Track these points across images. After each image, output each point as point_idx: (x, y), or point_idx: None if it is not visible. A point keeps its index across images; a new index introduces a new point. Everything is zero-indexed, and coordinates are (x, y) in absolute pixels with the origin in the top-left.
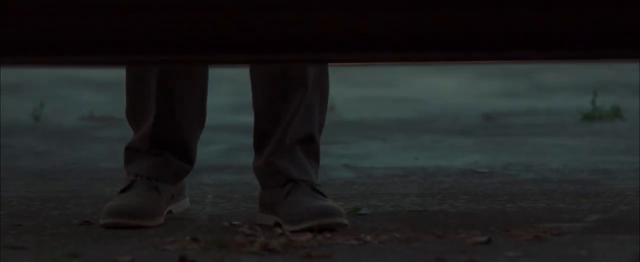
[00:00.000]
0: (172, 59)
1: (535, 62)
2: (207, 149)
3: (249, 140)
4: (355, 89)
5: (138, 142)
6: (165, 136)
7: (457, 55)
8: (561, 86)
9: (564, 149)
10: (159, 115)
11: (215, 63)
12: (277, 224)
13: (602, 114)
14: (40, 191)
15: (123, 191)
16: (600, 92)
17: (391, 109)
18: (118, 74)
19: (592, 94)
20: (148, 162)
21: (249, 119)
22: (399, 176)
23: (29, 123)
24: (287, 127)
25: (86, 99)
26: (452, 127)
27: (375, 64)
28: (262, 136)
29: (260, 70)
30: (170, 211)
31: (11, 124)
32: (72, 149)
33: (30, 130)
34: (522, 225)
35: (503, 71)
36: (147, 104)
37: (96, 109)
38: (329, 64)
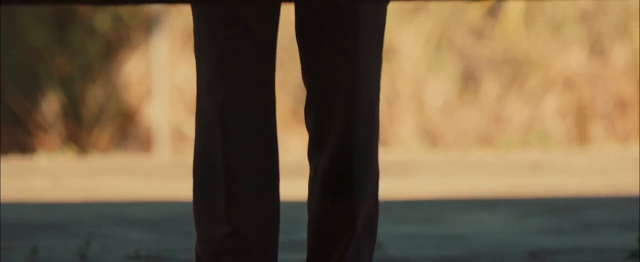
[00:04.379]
0: None
1: None
2: None
3: None
4: (401, 226)
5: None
6: None
7: None
8: (607, 223)
9: None
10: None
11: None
12: None
13: None
14: None
15: None
16: None
17: (436, 246)
18: (164, 212)
19: (639, 231)
20: None
21: (296, 257)
22: None
23: None
24: None
25: (132, 238)
26: None
27: None
28: None
29: (312, 210)
30: None
31: None
32: None
33: None
34: None
35: (549, 208)
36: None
37: (142, 248)
38: None
